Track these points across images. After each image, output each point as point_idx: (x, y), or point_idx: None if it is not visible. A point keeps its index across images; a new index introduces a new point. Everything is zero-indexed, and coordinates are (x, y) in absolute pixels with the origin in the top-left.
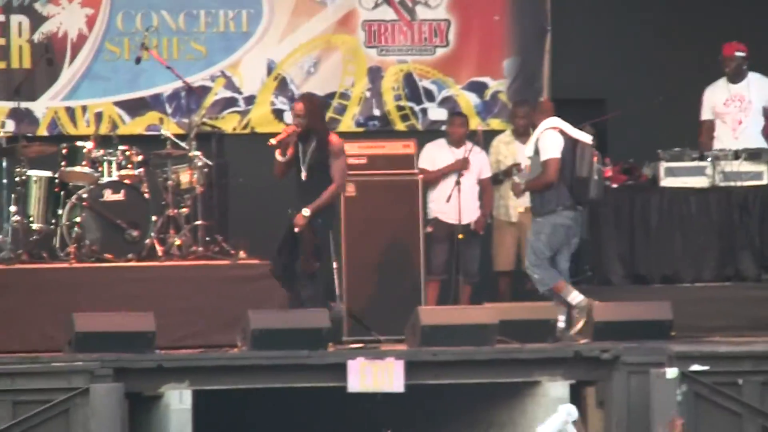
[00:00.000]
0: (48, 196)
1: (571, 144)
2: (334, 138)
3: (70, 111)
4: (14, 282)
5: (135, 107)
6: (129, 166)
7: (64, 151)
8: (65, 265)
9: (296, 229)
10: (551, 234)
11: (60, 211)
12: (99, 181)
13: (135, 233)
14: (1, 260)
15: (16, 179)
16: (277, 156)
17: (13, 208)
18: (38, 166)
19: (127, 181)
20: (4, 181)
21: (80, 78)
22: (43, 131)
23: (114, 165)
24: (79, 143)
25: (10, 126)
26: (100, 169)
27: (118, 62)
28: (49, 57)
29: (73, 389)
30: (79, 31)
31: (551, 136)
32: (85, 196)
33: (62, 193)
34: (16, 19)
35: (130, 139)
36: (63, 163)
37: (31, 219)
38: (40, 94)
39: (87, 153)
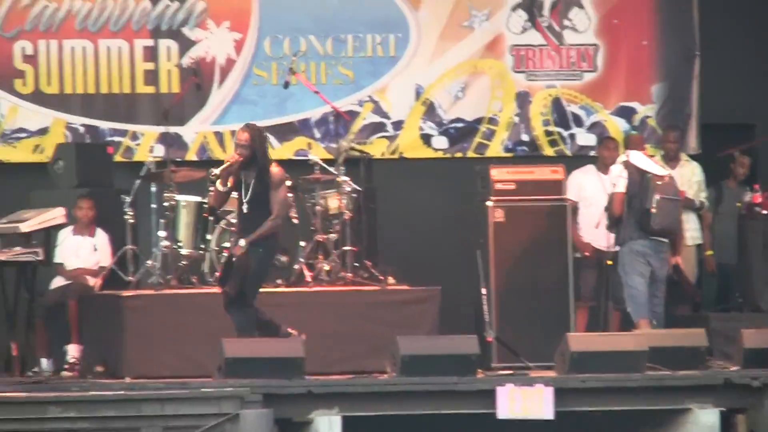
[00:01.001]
0: (197, 221)
1: (638, 177)
2: (274, 168)
3: (219, 135)
4: (163, 307)
5: (283, 132)
6: None
7: (212, 175)
8: (214, 290)
9: (234, 259)
10: (629, 263)
11: (209, 236)
12: None
13: (284, 258)
14: (151, 285)
15: (165, 204)
16: (218, 186)
17: (162, 234)
18: (187, 191)
19: None
20: (153, 206)
21: (229, 102)
22: (192, 156)
23: None
24: None
25: (159, 151)
26: None
27: (266, 87)
28: (198, 82)
29: (223, 415)
30: (227, 55)
31: (616, 171)
32: (234, 221)
33: (211, 218)
34: (164, 43)
35: (279, 164)
36: (212, 188)
37: (180, 244)
38: (188, 118)
39: None
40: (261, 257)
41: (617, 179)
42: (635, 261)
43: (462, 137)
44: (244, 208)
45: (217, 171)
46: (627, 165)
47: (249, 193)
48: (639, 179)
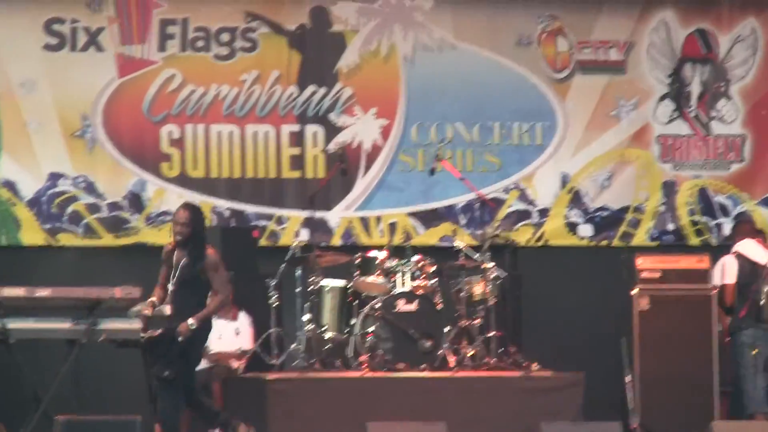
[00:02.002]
0: (341, 306)
1: (749, 267)
2: (210, 250)
3: (364, 221)
4: (308, 390)
5: (429, 218)
6: (422, 276)
7: (357, 260)
8: (358, 374)
9: (180, 339)
10: (738, 353)
11: (353, 321)
12: (392, 292)
13: (428, 344)
14: (295, 369)
15: (310, 288)
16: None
17: (306, 317)
18: (332, 275)
19: (420, 292)
20: (298, 289)
21: (374, 188)
22: (337, 241)
23: (408, 275)
24: (372, 253)
25: (305, 235)
26: (393, 279)
27: (412, 173)
28: (344, 167)
29: None
30: (373, 141)
31: (727, 262)
32: (378, 306)
33: (355, 302)
34: (311, 129)
35: (424, 250)
36: (356, 273)
37: (324, 328)
38: (334, 203)
39: (380, 263)
40: (202, 338)
41: (724, 271)
42: (742, 351)
43: (608, 226)
44: (170, 286)
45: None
46: (737, 255)
47: (178, 272)
48: (750, 270)
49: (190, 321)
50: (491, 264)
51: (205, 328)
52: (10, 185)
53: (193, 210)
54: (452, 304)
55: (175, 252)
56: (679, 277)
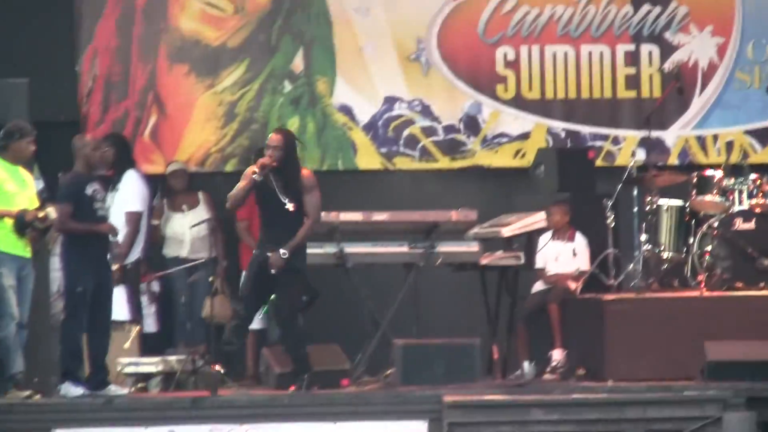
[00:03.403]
0: (678, 225)
1: None
2: (305, 172)
3: (701, 140)
4: (645, 311)
5: (765, 136)
6: (760, 194)
7: (694, 179)
8: (696, 293)
9: (273, 270)
10: None
11: (690, 240)
12: (730, 211)
13: (766, 262)
14: (632, 289)
15: (647, 208)
16: (256, 175)
17: (643, 237)
18: (668, 195)
19: (758, 210)
20: (635, 209)
21: (710, 107)
22: (673, 160)
23: (745, 194)
24: (708, 172)
25: (641, 155)
26: (730, 197)
27: (749, 91)
28: (680, 86)
29: (705, 418)
30: (709, 60)
31: None
32: (715, 225)
33: (692, 222)
34: (646, 48)
35: (761, 168)
36: (693, 192)
37: (661, 248)
38: (670, 123)
39: (717, 182)
40: (302, 263)
41: None
42: None
43: None
44: (290, 206)
45: (257, 169)
46: None
47: (278, 198)
48: None
49: (282, 251)
50: None
51: (302, 253)
52: (346, 110)
53: (285, 134)
54: None
55: (266, 178)
56: None
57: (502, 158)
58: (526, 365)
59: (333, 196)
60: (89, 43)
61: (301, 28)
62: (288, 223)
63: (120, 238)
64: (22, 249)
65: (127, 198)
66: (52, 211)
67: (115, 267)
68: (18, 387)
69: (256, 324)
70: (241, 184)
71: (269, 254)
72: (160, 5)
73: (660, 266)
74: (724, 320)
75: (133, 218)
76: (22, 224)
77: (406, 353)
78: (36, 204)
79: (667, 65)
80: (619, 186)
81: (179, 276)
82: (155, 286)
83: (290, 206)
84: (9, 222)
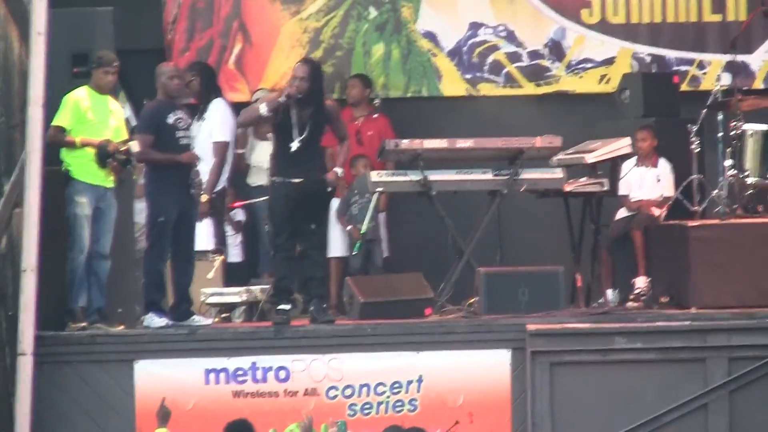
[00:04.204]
0: (763, 150)
1: None
2: (329, 102)
3: None
4: (729, 237)
5: None
6: None
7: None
8: None
9: (329, 188)
10: None
11: None
12: None
13: None
14: (716, 215)
15: (732, 133)
16: (262, 110)
17: (728, 163)
18: (754, 120)
19: None
20: (719, 134)
21: None
22: (759, 84)
23: None
24: None
25: (726, 79)
26: None
27: None
28: (765, 9)
29: None
30: None
31: None
32: None
33: None
34: None
35: None
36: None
37: (746, 173)
38: (756, 46)
39: None
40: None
41: None
42: None
43: None
44: (294, 145)
45: (263, 100)
46: None
47: (306, 130)
48: None
49: (338, 170)
50: None
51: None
52: (430, 36)
53: (311, 64)
54: None
55: (295, 110)
56: None
57: (586, 84)
58: (610, 293)
59: (417, 123)
60: None
61: None
62: (296, 156)
63: (208, 167)
64: (102, 179)
65: (214, 128)
66: (135, 144)
67: (204, 199)
68: (75, 321)
69: (337, 252)
70: (255, 108)
71: (323, 177)
72: None
73: (745, 192)
74: None
75: (221, 148)
76: (104, 155)
77: (489, 281)
78: (123, 134)
79: None
80: (704, 111)
81: (264, 205)
82: (240, 216)
83: (295, 145)
84: (91, 152)
